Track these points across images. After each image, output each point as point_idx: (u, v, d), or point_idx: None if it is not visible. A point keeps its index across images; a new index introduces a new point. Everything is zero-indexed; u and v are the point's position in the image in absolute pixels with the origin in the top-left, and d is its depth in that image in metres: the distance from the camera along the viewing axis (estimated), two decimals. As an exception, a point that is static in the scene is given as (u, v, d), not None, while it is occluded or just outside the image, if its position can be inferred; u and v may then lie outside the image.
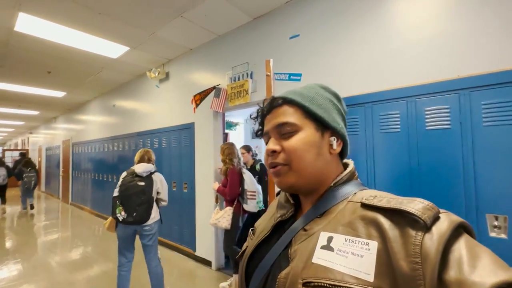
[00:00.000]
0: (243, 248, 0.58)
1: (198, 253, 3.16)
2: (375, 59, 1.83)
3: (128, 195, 2.03)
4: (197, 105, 3.13)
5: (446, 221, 0.34)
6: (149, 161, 2.27)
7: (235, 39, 2.82)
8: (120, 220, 2.01)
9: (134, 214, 2.01)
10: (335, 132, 0.50)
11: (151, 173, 2.20)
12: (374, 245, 0.36)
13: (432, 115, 1.57)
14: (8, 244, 4.02)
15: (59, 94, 5.44)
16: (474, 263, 0.30)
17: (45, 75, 4.24)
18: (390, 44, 1.76)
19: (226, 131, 7.01)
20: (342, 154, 0.53)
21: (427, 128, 1.59)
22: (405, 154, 1.65)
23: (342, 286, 0.35)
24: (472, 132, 1.44)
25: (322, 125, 0.49)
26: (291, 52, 2.30)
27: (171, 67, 3.70)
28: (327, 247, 0.40)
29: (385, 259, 0.34)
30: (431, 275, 0.30)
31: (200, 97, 3.09)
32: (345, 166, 0.53)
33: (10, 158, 11.59)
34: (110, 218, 2.12)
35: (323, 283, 0.36)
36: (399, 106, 1.69)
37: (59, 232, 4.64)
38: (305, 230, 0.45)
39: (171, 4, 2.35)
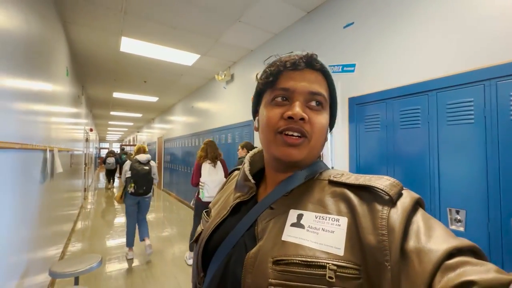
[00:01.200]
0: (198, 231, 0.55)
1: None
2: (440, 42, 1.55)
3: (140, 175, 3.01)
4: (256, 102, 3.30)
5: (408, 197, 0.36)
6: (144, 152, 3.21)
7: (291, 35, 2.85)
8: (130, 192, 3.00)
9: (144, 188, 3.04)
10: (333, 118, 0.49)
11: (149, 161, 3.15)
12: (344, 220, 0.37)
13: (521, 101, 1.24)
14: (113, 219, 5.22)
15: (153, 99, 6.64)
16: (429, 233, 0.32)
17: (142, 84, 5.27)
18: (466, 21, 1.46)
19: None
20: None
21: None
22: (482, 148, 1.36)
23: (313, 261, 0.35)
24: None
25: (330, 108, 0.48)
26: (345, 42, 2.18)
27: (235, 69, 4.01)
28: (297, 225, 0.39)
29: (354, 233, 0.35)
30: (396, 245, 0.32)
31: (258, 95, 3.25)
32: None
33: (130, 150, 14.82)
34: (119, 193, 3.11)
35: (294, 260, 0.36)
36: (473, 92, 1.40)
37: (153, 213, 5.70)
38: (271, 208, 0.44)
39: (228, 11, 2.58)
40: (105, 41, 3.29)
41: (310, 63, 0.44)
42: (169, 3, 2.45)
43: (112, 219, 4.98)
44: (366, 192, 0.38)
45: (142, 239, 3.20)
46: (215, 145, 2.95)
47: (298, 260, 0.35)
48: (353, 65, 2.05)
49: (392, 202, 0.35)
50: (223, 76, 4.07)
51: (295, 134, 0.43)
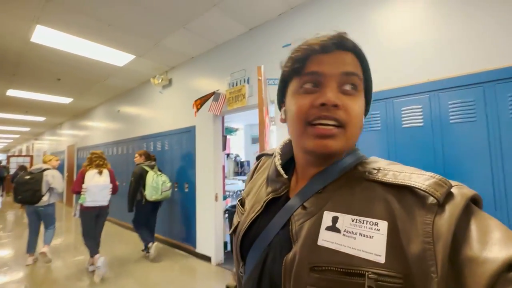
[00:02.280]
0: (234, 222, 0.55)
1: (198, 249, 3.31)
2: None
3: (19, 183, 3.03)
4: (198, 109, 3.33)
5: (459, 196, 0.32)
6: (45, 163, 3.26)
7: (233, 48, 3.05)
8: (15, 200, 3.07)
9: (24, 195, 3.00)
10: (368, 105, 0.46)
11: (43, 170, 3.15)
12: (384, 225, 0.34)
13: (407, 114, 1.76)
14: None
15: (66, 100, 5.68)
16: (484, 239, 0.29)
17: (55, 82, 4.48)
18: (376, 51, 1.96)
19: (228, 136, 7.15)
20: None
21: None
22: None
23: (352, 269, 0.33)
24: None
25: (365, 92, 0.44)
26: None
27: (174, 74, 3.93)
28: (333, 228, 0.37)
29: (395, 239, 0.33)
30: (443, 255, 0.29)
31: (200, 101, 3.29)
32: None
33: (15, 164, 11.82)
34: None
35: (331, 267, 0.34)
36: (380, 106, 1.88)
37: (63, 236, 4.79)
38: (304, 208, 0.41)
39: (175, 16, 2.58)
40: (11, 28, 2.72)
41: (341, 43, 0.40)
42: (108, -3, 2.28)
43: None
44: (407, 193, 0.35)
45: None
46: (102, 156, 3.13)
47: (335, 267, 0.34)
48: (291, 80, 2.38)
49: (438, 204, 0.32)
50: (160, 80, 3.91)
51: (330, 123, 0.39)
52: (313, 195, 0.42)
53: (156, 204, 3.34)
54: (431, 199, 0.32)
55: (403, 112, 1.77)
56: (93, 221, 2.94)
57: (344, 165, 0.42)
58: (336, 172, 0.42)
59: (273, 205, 0.47)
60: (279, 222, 0.43)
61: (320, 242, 0.37)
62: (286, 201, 0.45)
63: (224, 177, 3.50)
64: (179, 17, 2.60)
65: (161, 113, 4.15)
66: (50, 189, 3.14)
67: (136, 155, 3.48)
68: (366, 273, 0.32)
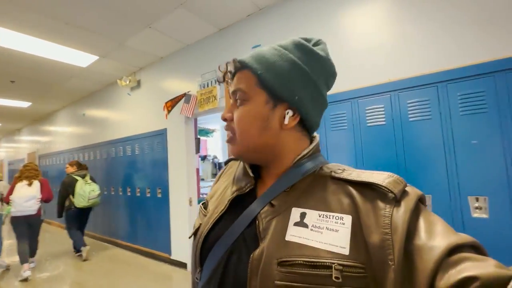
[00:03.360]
0: (195, 225, 0.53)
1: (174, 256, 3.21)
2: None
3: None
4: (169, 111, 3.23)
5: (412, 194, 0.36)
6: None
7: (203, 48, 2.99)
8: None
9: None
10: (292, 105, 0.44)
11: None
12: (348, 219, 0.36)
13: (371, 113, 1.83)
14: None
15: (24, 104, 5.23)
16: (430, 230, 0.33)
17: (8, 85, 4.11)
18: (342, 52, 2.02)
19: (203, 138, 7.03)
20: (308, 126, 0.47)
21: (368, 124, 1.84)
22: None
23: (318, 262, 0.34)
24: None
25: (276, 96, 0.44)
26: (254, 60, 2.50)
27: (142, 75, 3.77)
28: (301, 224, 0.39)
29: (358, 231, 0.35)
30: (400, 244, 0.32)
31: (171, 103, 3.19)
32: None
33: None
34: None
35: (300, 260, 0.35)
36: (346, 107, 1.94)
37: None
38: (272, 205, 0.43)
39: (139, 16, 2.47)
40: (-50, 24, 2.44)
41: (235, 67, 0.47)
42: (63, -6, 2.13)
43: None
44: (368, 189, 0.38)
45: None
46: (34, 168, 3.28)
47: (303, 260, 0.35)
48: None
49: (395, 200, 0.35)
50: (127, 82, 3.73)
51: (228, 133, 0.48)
52: (280, 193, 0.43)
53: (85, 211, 3.59)
54: (389, 195, 0.35)
55: (367, 111, 1.85)
56: (24, 228, 3.06)
57: (309, 166, 0.45)
58: (300, 172, 0.44)
59: (238, 205, 0.47)
60: (245, 221, 0.43)
61: (288, 237, 0.38)
62: (252, 201, 0.45)
63: (199, 180, 3.43)
64: (144, 17, 2.49)
65: (130, 116, 3.97)
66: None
67: (67, 165, 3.73)
68: (333, 265, 0.34)
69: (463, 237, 0.32)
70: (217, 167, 9.47)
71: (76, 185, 3.48)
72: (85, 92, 4.78)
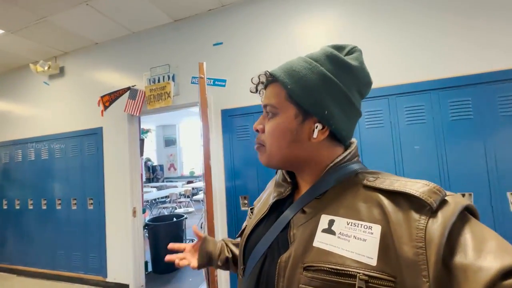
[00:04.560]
0: (243, 227, 0.59)
1: (111, 278, 2.71)
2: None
3: None
4: (105, 107, 2.75)
5: (452, 204, 0.33)
6: None
7: (154, 39, 2.66)
8: None
9: None
10: (321, 119, 0.44)
11: None
12: (377, 228, 0.35)
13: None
14: None
15: None
16: (479, 247, 0.29)
17: None
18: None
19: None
20: (340, 137, 0.47)
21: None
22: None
23: (343, 270, 0.34)
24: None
25: (305, 111, 0.44)
26: (215, 58, 2.37)
27: (67, 61, 3.09)
28: (329, 231, 0.39)
29: (388, 243, 0.34)
30: (435, 260, 0.29)
31: (110, 98, 2.72)
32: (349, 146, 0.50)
33: None
34: None
35: (324, 267, 0.35)
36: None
37: None
38: (304, 212, 0.44)
39: (74, -12, 2.01)
40: None
41: (267, 79, 0.49)
42: None
43: None
44: (402, 199, 0.36)
45: None
46: None
47: (328, 267, 0.35)
48: (224, 80, 2.26)
49: (431, 210, 0.33)
50: (45, 68, 3.00)
51: (256, 143, 0.50)
52: (312, 200, 0.44)
53: None
54: (424, 205, 0.33)
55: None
56: None
57: (341, 173, 0.44)
58: (332, 179, 0.44)
59: (278, 210, 0.49)
60: (280, 226, 0.45)
61: (315, 243, 0.38)
62: (290, 205, 0.47)
63: (142, 187, 3.02)
64: (82, -10, 2.05)
65: (48, 111, 3.20)
66: None
67: None
68: (357, 274, 0.33)
69: None
70: (151, 170, 8.63)
71: None
72: (-26, 76, 3.62)
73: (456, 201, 0.33)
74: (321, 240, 0.38)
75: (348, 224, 0.38)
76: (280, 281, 0.40)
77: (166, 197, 6.31)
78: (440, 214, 0.32)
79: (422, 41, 1.82)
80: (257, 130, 0.50)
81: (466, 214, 0.34)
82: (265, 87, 0.50)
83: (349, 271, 0.34)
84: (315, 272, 0.36)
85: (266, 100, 0.48)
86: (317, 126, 0.44)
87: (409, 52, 1.85)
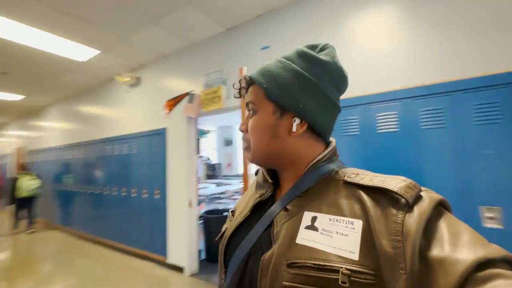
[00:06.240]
0: (223, 229, 0.56)
1: (170, 260, 3.11)
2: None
3: None
4: (170, 110, 3.15)
5: (427, 199, 0.34)
6: None
7: (208, 47, 2.93)
8: None
9: None
10: (298, 114, 0.45)
11: None
12: (358, 224, 0.36)
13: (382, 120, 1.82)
14: None
15: (17, 97, 5.03)
16: (455, 241, 0.30)
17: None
18: (351, 56, 2.00)
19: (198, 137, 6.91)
20: (319, 131, 0.48)
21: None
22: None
23: (327, 266, 0.34)
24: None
25: (282, 106, 0.46)
26: (263, 61, 2.45)
27: (143, 72, 3.67)
28: (311, 227, 0.39)
29: (368, 237, 0.34)
30: (412, 253, 0.30)
31: (173, 102, 3.12)
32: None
33: None
34: None
35: (308, 263, 0.36)
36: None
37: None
38: (286, 210, 0.44)
39: (146, 11, 2.40)
40: None
41: (246, 84, 0.52)
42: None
43: None
44: (380, 194, 0.37)
45: None
46: None
47: (311, 263, 0.35)
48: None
49: (408, 205, 0.34)
50: (127, 79, 3.63)
51: (244, 143, 0.52)
52: (295, 198, 0.44)
53: (27, 199, 4.88)
54: (402, 200, 0.34)
55: (378, 117, 1.83)
56: None
57: (323, 171, 0.45)
58: (314, 177, 0.45)
59: (260, 211, 0.49)
60: (262, 225, 0.45)
61: (299, 240, 0.39)
62: (272, 205, 0.47)
63: (198, 182, 3.35)
64: (150, 12, 2.42)
65: (128, 113, 3.86)
66: None
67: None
68: (340, 269, 0.33)
69: (495, 250, 0.29)
70: (211, 168, 9.38)
71: (18, 181, 4.81)
72: (81, 87, 4.63)
73: (430, 196, 0.35)
74: (304, 237, 0.39)
75: (330, 220, 0.38)
76: (263, 279, 0.39)
77: (223, 193, 6.78)
78: (416, 209, 0.33)
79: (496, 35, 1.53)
80: (241, 130, 0.52)
81: (441, 208, 0.35)
82: (247, 90, 0.53)
83: (332, 266, 0.34)
84: (299, 269, 0.36)
85: (247, 99, 0.51)
86: (295, 120, 0.46)
87: (482, 45, 1.58)
